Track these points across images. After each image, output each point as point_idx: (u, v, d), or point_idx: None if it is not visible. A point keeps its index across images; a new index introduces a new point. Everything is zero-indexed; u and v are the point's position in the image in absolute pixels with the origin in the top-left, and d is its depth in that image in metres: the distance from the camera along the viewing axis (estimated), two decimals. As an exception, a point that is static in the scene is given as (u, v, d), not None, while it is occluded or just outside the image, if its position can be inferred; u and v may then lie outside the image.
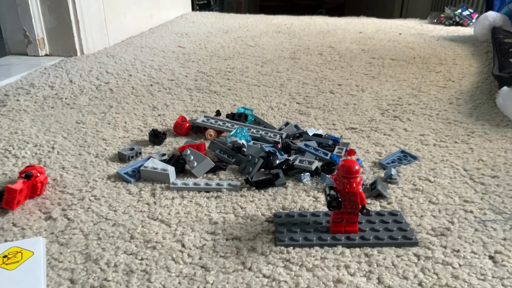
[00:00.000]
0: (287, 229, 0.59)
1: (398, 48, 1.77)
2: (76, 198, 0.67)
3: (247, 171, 0.74)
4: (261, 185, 0.70)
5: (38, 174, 0.66)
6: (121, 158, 0.80)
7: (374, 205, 0.66)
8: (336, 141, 0.85)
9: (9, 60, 1.52)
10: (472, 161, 0.81)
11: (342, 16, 2.65)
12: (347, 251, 0.55)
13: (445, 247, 0.56)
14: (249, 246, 0.56)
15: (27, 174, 0.65)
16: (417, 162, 0.80)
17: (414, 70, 1.45)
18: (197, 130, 0.93)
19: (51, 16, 1.54)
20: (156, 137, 0.86)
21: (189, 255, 0.54)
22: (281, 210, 0.64)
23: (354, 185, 0.54)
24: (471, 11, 2.37)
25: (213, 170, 0.75)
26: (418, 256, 0.54)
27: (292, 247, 0.56)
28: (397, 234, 0.57)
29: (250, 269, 0.52)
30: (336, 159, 0.78)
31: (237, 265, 0.53)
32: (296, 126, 0.94)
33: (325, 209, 0.64)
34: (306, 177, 0.72)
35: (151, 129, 0.88)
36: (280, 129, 0.90)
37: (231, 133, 0.84)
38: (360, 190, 0.55)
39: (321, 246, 0.56)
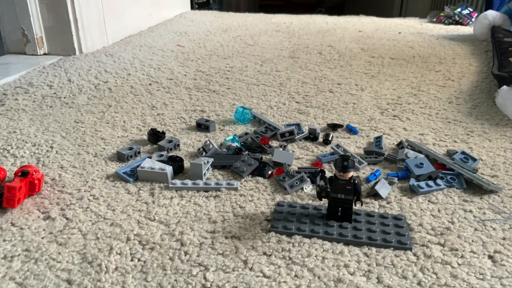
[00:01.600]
0: (284, 217, 0.60)
1: (397, 47, 1.76)
2: (75, 197, 0.67)
3: (241, 170, 0.74)
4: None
5: (34, 173, 0.66)
6: (120, 157, 0.80)
7: (372, 205, 0.66)
8: (355, 133, 0.92)
9: (8, 59, 1.52)
10: (471, 160, 0.80)
11: (342, 15, 2.65)
12: (346, 250, 0.55)
13: (444, 247, 0.56)
14: (248, 246, 0.56)
15: (24, 172, 0.65)
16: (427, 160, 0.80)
17: (414, 69, 1.44)
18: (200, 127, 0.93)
19: (50, 15, 1.54)
20: (155, 136, 0.86)
21: (187, 254, 0.54)
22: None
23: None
24: (471, 10, 2.37)
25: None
26: (417, 256, 0.54)
27: (292, 245, 0.56)
28: (392, 237, 0.57)
29: (251, 269, 0.52)
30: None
31: (236, 263, 0.52)
32: (298, 125, 0.94)
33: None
34: (307, 185, 0.71)
35: (150, 129, 0.88)
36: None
37: (226, 139, 0.84)
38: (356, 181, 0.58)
39: (310, 238, 0.57)
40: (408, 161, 0.74)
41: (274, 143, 0.87)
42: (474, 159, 0.79)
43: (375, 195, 0.68)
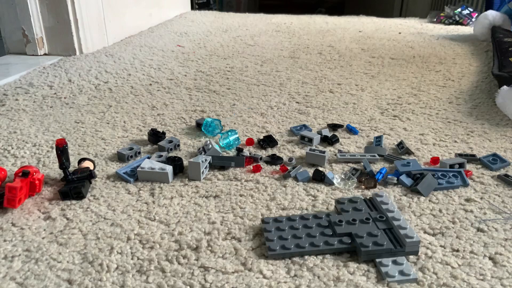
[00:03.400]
0: (277, 236, 0.56)
1: (397, 47, 1.76)
2: (75, 198, 0.67)
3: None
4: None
5: (34, 173, 0.66)
6: (120, 157, 0.80)
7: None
8: (355, 133, 0.92)
9: (8, 60, 1.52)
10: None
11: (342, 15, 2.65)
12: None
13: (444, 247, 0.56)
14: (248, 246, 0.56)
15: (24, 172, 0.65)
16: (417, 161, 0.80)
17: (414, 69, 1.45)
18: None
19: (50, 15, 1.54)
20: (156, 136, 0.86)
21: (186, 255, 0.54)
22: (280, 210, 0.64)
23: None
24: (471, 10, 2.37)
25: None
26: (417, 256, 0.54)
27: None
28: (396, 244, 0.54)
29: (250, 269, 0.52)
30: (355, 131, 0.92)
31: (236, 266, 0.53)
32: (304, 126, 0.94)
33: (316, 210, 0.64)
34: (336, 177, 0.70)
35: (150, 129, 0.88)
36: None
37: (225, 132, 0.84)
38: None
39: (315, 254, 0.54)
40: (396, 162, 0.75)
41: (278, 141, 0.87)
42: (504, 161, 0.78)
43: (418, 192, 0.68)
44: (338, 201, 0.63)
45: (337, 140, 0.87)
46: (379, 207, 0.61)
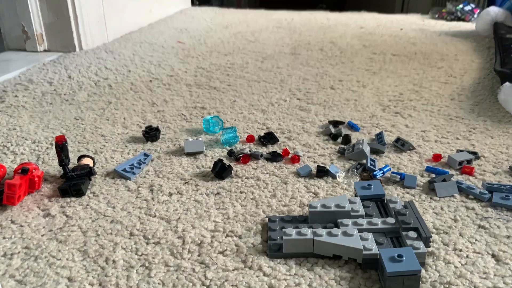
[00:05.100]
0: (280, 236, 0.55)
1: (399, 44, 1.76)
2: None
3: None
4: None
5: (34, 170, 0.66)
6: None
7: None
8: (356, 130, 0.92)
9: (8, 56, 1.51)
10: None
11: (343, 11, 2.64)
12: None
13: (447, 245, 0.56)
14: (249, 244, 0.55)
15: (24, 169, 0.64)
16: (418, 159, 0.79)
17: (416, 65, 1.44)
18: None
19: (50, 12, 1.53)
20: (148, 135, 0.85)
21: (189, 252, 0.54)
22: (281, 207, 0.64)
23: None
24: (473, 6, 2.36)
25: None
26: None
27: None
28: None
29: (250, 267, 0.52)
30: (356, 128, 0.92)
31: (237, 263, 0.52)
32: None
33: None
34: (339, 172, 0.70)
35: (144, 128, 0.88)
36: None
37: (226, 129, 0.84)
38: None
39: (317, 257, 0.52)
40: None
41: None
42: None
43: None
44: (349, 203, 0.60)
45: (349, 140, 0.86)
46: (391, 213, 0.58)
